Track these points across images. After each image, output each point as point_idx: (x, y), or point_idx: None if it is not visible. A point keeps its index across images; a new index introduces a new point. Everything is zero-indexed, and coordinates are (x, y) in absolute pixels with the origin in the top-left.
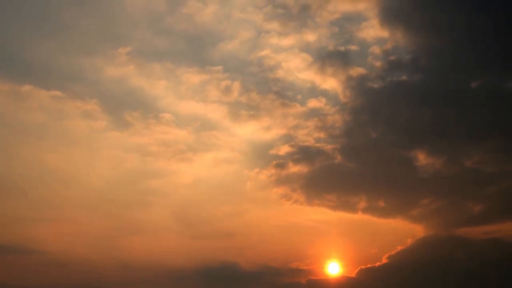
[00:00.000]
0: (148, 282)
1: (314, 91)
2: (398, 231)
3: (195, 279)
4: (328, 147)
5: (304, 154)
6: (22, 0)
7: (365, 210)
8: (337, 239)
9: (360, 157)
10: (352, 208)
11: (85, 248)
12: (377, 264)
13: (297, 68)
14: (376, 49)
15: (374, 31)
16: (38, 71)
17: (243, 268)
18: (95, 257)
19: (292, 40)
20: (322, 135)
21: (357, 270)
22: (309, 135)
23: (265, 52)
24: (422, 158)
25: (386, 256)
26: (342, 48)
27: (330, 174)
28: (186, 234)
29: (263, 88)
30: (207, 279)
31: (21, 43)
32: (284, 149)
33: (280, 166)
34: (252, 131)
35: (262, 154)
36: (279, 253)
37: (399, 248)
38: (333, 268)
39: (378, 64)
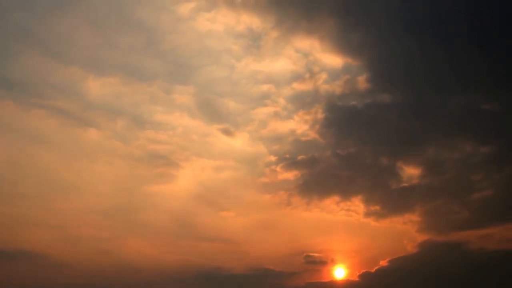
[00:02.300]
0: (149, 284)
1: (299, 107)
2: (399, 236)
3: (194, 281)
4: (318, 155)
5: (297, 162)
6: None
7: (364, 215)
8: (336, 243)
9: (352, 165)
10: (350, 213)
11: (88, 251)
12: (378, 267)
13: (277, 89)
14: (347, 75)
15: (343, 61)
16: (36, 84)
17: (242, 271)
18: (98, 259)
19: (268, 66)
20: (311, 145)
21: (358, 274)
22: (298, 146)
23: (244, 77)
24: (413, 167)
25: (387, 260)
26: (317, 74)
27: (325, 180)
28: (186, 238)
29: (247, 106)
30: (207, 282)
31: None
32: (277, 158)
33: (275, 173)
34: (243, 142)
35: (256, 162)
36: (278, 257)
37: (400, 252)
38: (333, 272)
39: (352, 87)
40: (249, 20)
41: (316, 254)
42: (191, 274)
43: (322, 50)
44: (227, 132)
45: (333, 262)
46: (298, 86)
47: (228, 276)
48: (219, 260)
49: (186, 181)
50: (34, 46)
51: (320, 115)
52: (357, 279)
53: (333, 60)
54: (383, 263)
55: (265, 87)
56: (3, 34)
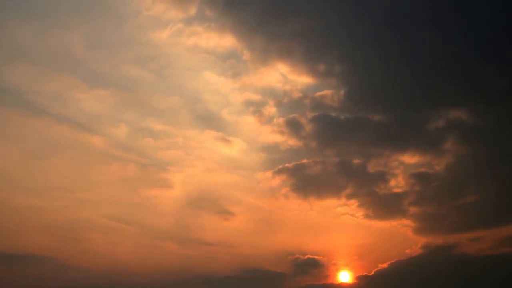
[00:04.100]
0: (150, 286)
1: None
2: (397, 239)
3: (195, 283)
4: (307, 161)
5: (289, 169)
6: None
7: (362, 218)
8: (335, 246)
9: (343, 172)
10: (348, 217)
11: (89, 253)
12: (377, 270)
13: (263, 102)
14: (327, 93)
15: (316, 80)
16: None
17: (242, 273)
18: (98, 261)
19: (251, 82)
20: (301, 153)
21: (356, 276)
22: (289, 153)
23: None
24: (403, 174)
25: (385, 263)
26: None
27: (319, 185)
28: (186, 240)
29: (238, 116)
30: (206, 284)
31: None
32: (270, 164)
33: (270, 178)
34: (238, 149)
35: (252, 167)
36: (278, 260)
37: (398, 255)
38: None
39: (329, 103)
40: (229, 43)
41: (315, 257)
42: (191, 276)
43: (294, 71)
44: (222, 140)
45: (331, 264)
46: (282, 100)
47: (228, 277)
48: (219, 262)
49: (185, 186)
50: (34, 59)
51: (307, 126)
52: (356, 281)
53: (307, 79)
54: (382, 266)
55: (252, 101)
56: (6, 49)
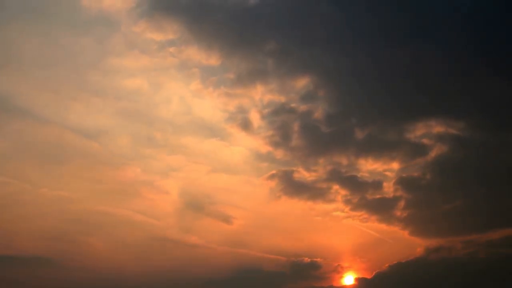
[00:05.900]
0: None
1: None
2: (397, 242)
3: (194, 285)
4: (301, 168)
5: (284, 173)
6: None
7: (360, 221)
8: (334, 248)
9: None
10: (347, 220)
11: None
12: (376, 273)
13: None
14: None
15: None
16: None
17: (243, 275)
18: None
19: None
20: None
21: (356, 278)
22: (283, 158)
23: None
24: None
25: (385, 266)
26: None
27: (314, 187)
28: (187, 242)
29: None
30: (206, 285)
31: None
32: (268, 168)
33: (268, 182)
34: (233, 156)
35: (246, 173)
36: (278, 261)
37: (398, 258)
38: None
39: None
40: (212, 61)
41: (315, 259)
42: (193, 277)
43: (272, 90)
44: (219, 146)
45: (330, 267)
46: (269, 111)
47: (228, 279)
48: (220, 264)
49: (185, 189)
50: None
51: (296, 136)
52: (355, 283)
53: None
54: (381, 268)
55: (242, 110)
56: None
